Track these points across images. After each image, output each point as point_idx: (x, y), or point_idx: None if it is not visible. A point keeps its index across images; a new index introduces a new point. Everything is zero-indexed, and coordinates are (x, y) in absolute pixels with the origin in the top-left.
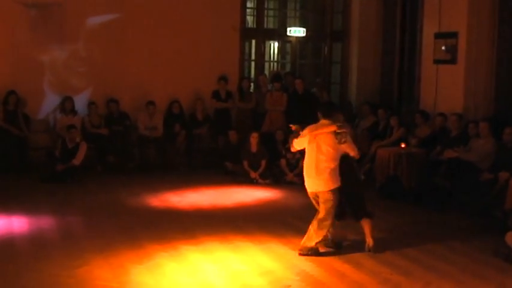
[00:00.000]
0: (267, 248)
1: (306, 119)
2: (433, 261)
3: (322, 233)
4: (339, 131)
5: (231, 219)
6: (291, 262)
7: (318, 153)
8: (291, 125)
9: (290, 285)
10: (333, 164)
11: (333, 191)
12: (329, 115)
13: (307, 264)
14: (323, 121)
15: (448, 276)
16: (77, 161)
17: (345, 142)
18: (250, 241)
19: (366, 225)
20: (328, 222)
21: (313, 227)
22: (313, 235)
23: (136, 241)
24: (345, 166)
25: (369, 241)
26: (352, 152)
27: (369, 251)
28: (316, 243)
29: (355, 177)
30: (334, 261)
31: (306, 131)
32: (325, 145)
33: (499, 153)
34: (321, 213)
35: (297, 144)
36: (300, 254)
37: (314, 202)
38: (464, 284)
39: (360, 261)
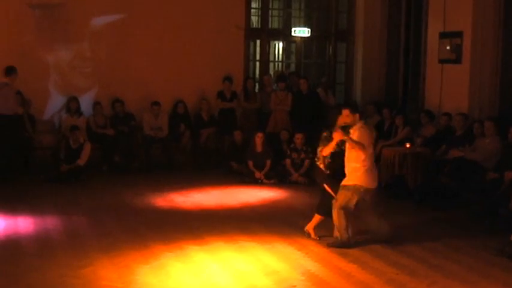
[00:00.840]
0: (272, 248)
1: (311, 119)
2: (439, 260)
3: None
4: None
5: (236, 219)
6: (297, 262)
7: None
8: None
9: (295, 285)
10: None
11: None
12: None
13: (313, 264)
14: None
15: (454, 276)
16: (81, 161)
17: None
18: (256, 241)
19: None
20: None
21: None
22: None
23: (142, 241)
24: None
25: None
26: None
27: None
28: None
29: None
30: (340, 261)
31: (369, 134)
32: None
33: (504, 153)
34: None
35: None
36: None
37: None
38: (469, 283)
39: (366, 261)
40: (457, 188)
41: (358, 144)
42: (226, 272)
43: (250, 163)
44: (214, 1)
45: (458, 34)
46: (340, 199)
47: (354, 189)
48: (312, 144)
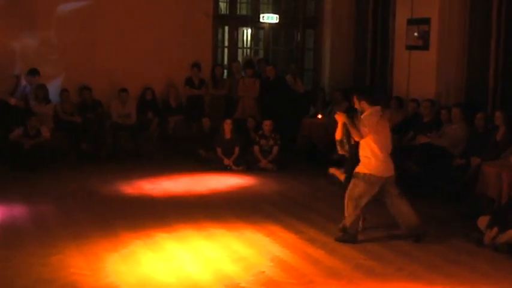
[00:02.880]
0: (240, 234)
1: (279, 106)
2: (406, 246)
3: None
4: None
5: (204, 207)
6: (265, 248)
7: (389, 138)
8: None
9: (264, 271)
10: None
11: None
12: (378, 101)
13: (281, 250)
14: (377, 107)
15: (421, 261)
16: (45, 133)
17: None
18: (224, 228)
19: None
20: None
21: (408, 204)
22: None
23: (110, 229)
24: None
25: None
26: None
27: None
28: None
29: None
30: (308, 247)
31: (372, 119)
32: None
33: (470, 139)
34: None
35: (365, 133)
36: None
37: (375, 189)
38: (436, 268)
39: (334, 247)
40: (424, 174)
41: (354, 129)
42: (195, 259)
43: (219, 150)
44: None
45: (426, 21)
46: (351, 187)
47: (363, 178)
48: (280, 131)
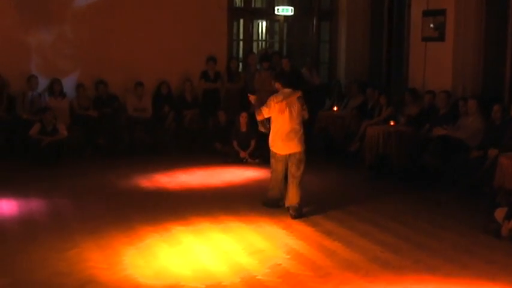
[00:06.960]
0: (257, 227)
1: None
2: (423, 238)
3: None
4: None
5: (221, 199)
6: (281, 241)
7: (291, 118)
8: (249, 95)
9: (280, 264)
10: (302, 127)
11: (304, 151)
12: (290, 84)
13: (298, 243)
14: (286, 90)
15: (438, 253)
16: (62, 130)
17: (304, 107)
18: (241, 221)
19: None
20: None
21: (295, 186)
22: (298, 192)
23: (127, 223)
24: None
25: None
26: (307, 115)
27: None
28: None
29: None
30: (325, 240)
31: (272, 101)
32: (295, 110)
33: (487, 131)
34: (299, 171)
35: (266, 112)
36: (297, 217)
37: (281, 165)
38: (453, 260)
39: (351, 239)
40: (441, 166)
41: (257, 109)
42: (212, 252)
43: (235, 143)
44: None
45: (442, 12)
46: None
47: (271, 154)
48: None
